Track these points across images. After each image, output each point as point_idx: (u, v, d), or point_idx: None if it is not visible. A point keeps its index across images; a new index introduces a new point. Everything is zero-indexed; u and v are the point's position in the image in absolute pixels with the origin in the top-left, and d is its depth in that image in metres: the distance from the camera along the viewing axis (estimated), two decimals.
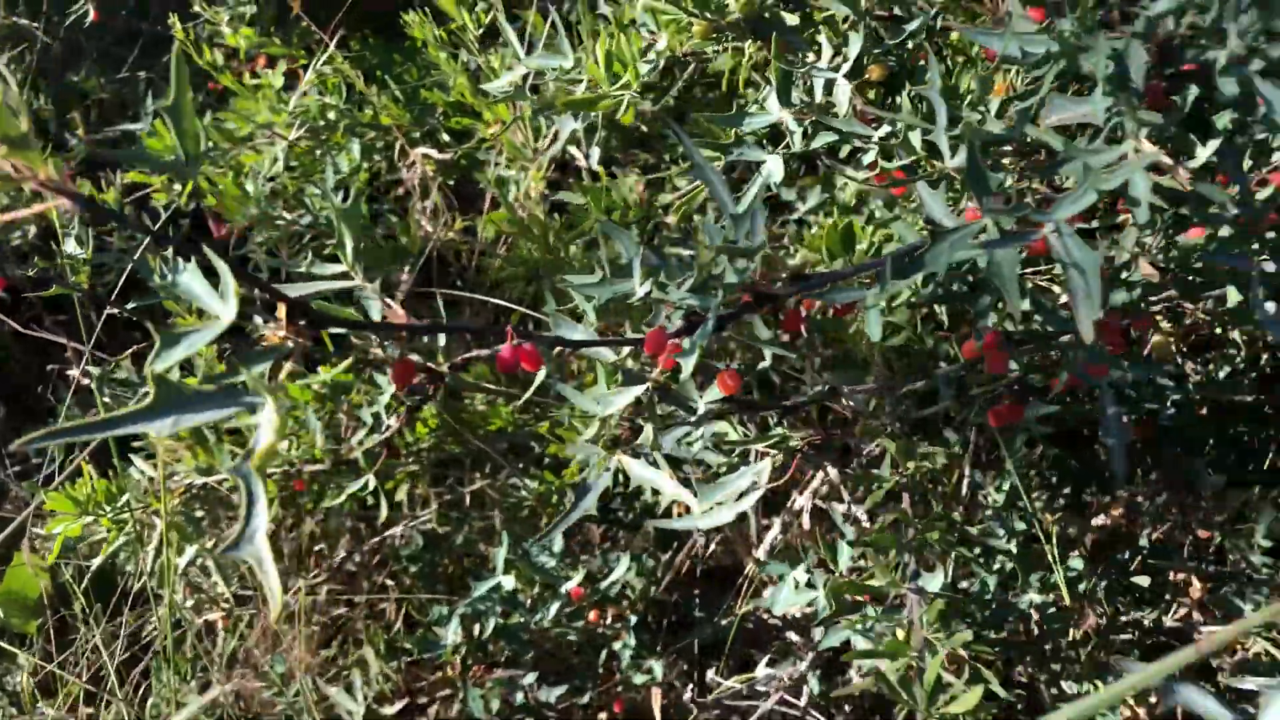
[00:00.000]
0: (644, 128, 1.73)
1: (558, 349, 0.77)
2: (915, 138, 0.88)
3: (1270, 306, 0.87)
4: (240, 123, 1.64)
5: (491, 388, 1.53)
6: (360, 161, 1.72)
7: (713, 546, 1.63)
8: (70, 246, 1.17)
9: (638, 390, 0.73)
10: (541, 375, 0.69)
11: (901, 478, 0.96)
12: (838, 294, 0.74)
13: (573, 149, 1.57)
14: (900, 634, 0.90)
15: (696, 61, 1.20)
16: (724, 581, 1.75)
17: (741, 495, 0.97)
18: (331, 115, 1.76)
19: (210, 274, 0.56)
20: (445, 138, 1.80)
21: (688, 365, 0.66)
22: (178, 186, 1.87)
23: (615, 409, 0.74)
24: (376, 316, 1.08)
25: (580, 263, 1.38)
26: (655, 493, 1.64)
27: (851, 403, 0.82)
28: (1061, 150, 0.79)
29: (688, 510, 1.05)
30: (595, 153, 1.23)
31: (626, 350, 0.76)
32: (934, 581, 0.94)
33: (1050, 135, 0.84)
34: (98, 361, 1.65)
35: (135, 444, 1.47)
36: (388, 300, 0.63)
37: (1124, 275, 0.96)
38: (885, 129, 0.92)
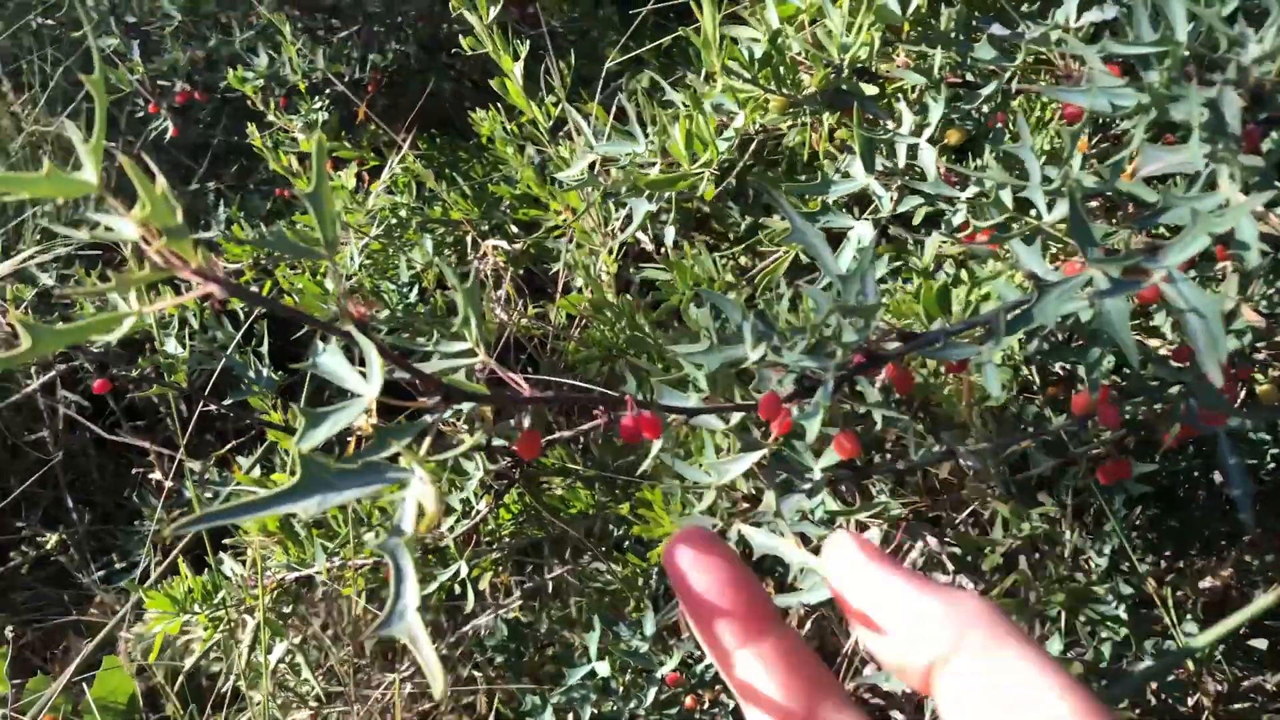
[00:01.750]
0: (704, 208, 1.77)
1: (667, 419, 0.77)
2: (1006, 195, 0.88)
3: None
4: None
5: (572, 467, 1.53)
6: (432, 256, 1.76)
7: (807, 626, 1.59)
8: (171, 346, 1.21)
9: (755, 456, 0.73)
10: (659, 444, 0.69)
11: (1015, 541, 0.94)
12: (951, 351, 0.74)
13: (640, 234, 1.60)
14: None
15: (767, 136, 1.22)
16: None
17: None
18: (403, 213, 1.82)
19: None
20: (514, 229, 1.85)
21: (812, 427, 0.65)
22: (255, 289, 1.93)
23: (731, 476, 0.74)
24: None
25: (657, 338, 1.39)
26: None
27: (968, 463, 0.81)
28: (1156, 200, 0.79)
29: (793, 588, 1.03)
30: (670, 232, 1.25)
31: (735, 419, 0.75)
32: (1054, 646, 0.91)
33: (1140, 187, 0.84)
34: (182, 466, 1.69)
35: (225, 541, 1.49)
36: (513, 377, 0.64)
37: (1231, 324, 0.95)
38: (973, 189, 0.92)
